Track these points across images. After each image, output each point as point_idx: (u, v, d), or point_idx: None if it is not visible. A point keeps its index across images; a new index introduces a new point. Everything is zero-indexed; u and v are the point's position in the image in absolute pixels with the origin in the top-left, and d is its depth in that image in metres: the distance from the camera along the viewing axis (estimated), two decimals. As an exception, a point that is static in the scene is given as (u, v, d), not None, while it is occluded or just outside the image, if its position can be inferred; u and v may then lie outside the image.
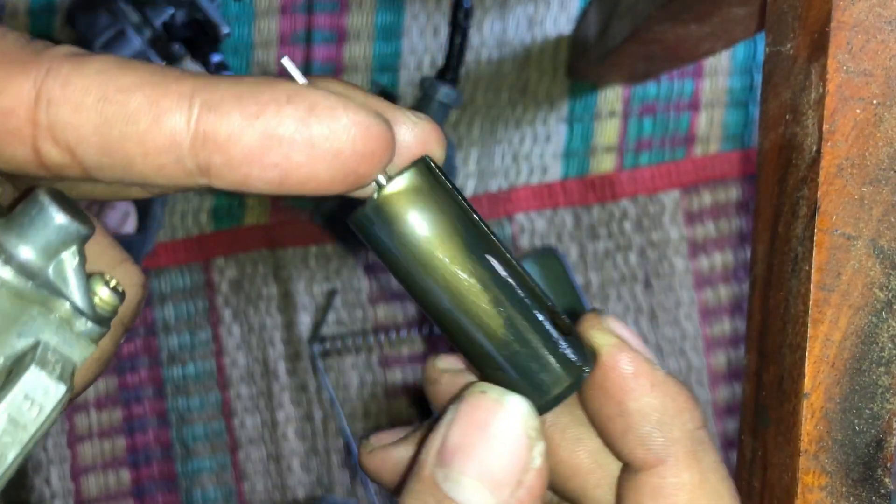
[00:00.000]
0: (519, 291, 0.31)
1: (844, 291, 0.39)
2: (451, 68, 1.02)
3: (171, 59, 0.99)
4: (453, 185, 0.31)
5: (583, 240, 1.12)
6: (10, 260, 0.26)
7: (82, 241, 0.28)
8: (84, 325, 0.28)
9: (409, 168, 0.30)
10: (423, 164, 0.30)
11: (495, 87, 1.11)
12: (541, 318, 0.31)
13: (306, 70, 1.09)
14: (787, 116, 0.42)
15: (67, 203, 0.28)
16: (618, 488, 0.34)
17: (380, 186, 0.29)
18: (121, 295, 0.29)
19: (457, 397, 0.31)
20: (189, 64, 1.03)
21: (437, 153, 0.31)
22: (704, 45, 0.79)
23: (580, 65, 1.08)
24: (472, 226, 0.30)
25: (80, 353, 0.28)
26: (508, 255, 0.31)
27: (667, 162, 1.13)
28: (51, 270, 0.27)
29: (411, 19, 1.10)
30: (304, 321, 1.10)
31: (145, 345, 1.10)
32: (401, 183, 0.30)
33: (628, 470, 0.33)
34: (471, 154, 1.11)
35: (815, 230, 0.39)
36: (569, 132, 1.12)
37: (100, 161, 0.27)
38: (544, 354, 0.31)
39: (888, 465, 0.39)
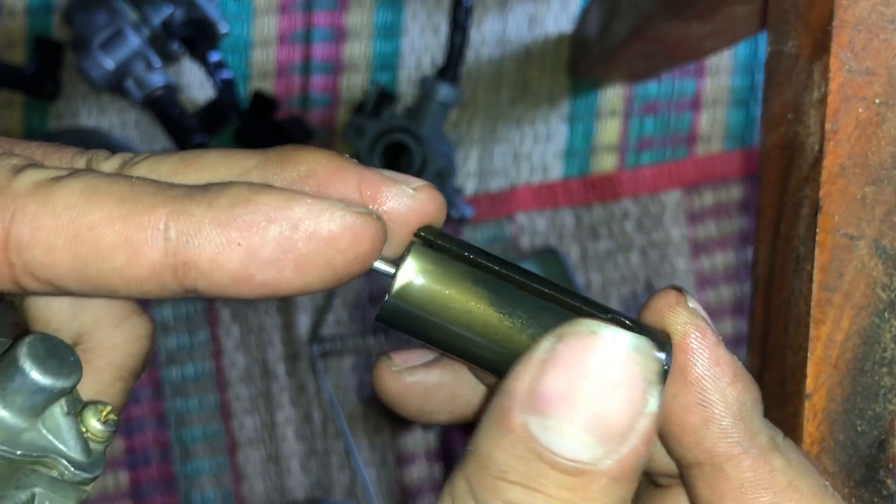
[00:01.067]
0: (555, 313, 0.30)
1: (847, 292, 0.39)
2: (451, 67, 1.02)
3: (169, 58, 0.99)
4: (457, 243, 0.31)
5: (584, 240, 1.12)
6: None
7: (72, 390, 0.28)
8: (77, 475, 0.28)
9: (406, 255, 0.29)
10: (419, 247, 0.30)
11: (496, 87, 1.11)
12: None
13: (306, 68, 1.08)
14: (790, 116, 0.42)
15: (53, 354, 0.28)
16: (689, 487, 0.32)
17: (392, 276, 0.29)
18: (114, 424, 0.29)
19: (549, 334, 0.28)
20: (187, 62, 1.03)
21: (438, 219, 0.30)
22: (706, 43, 0.79)
23: (581, 63, 1.08)
24: (490, 280, 0.30)
25: (74, 499, 0.28)
26: (535, 285, 0.30)
27: (668, 161, 1.13)
28: (41, 423, 0.27)
29: (411, 18, 1.09)
30: (304, 322, 1.10)
31: (144, 345, 1.10)
32: (407, 273, 0.29)
33: (699, 466, 0.31)
34: (471, 154, 1.11)
35: (818, 230, 0.39)
36: (570, 131, 1.12)
37: (83, 290, 0.27)
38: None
39: (890, 466, 0.39)
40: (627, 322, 0.30)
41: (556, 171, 1.12)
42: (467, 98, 1.10)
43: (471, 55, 1.09)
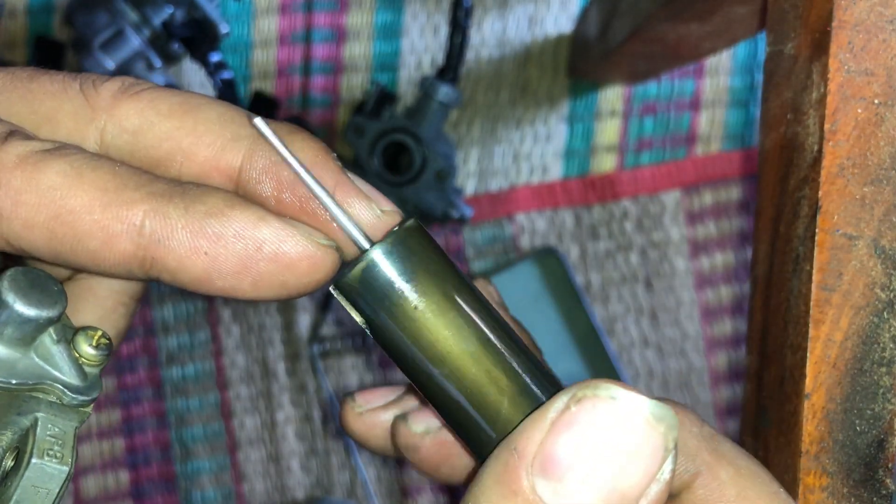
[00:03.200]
0: (505, 353, 0.29)
1: (846, 291, 0.39)
2: (451, 68, 1.02)
3: (170, 59, 0.99)
4: (435, 247, 0.30)
5: (583, 240, 1.12)
6: None
7: (59, 318, 0.29)
8: (74, 398, 0.29)
9: (391, 234, 0.29)
10: (404, 230, 0.29)
11: (495, 87, 1.11)
12: (532, 384, 0.29)
13: (306, 69, 1.09)
14: (789, 116, 0.42)
15: (36, 285, 0.29)
16: None
17: (362, 251, 0.29)
18: (108, 346, 0.30)
19: (562, 394, 0.27)
20: (188, 63, 1.03)
21: None
22: (705, 44, 0.79)
23: (581, 64, 1.08)
24: (458, 288, 0.29)
25: (76, 420, 0.29)
26: (489, 310, 0.30)
27: (668, 161, 1.13)
28: (33, 353, 0.29)
29: (411, 18, 1.09)
30: (304, 321, 1.10)
31: (144, 345, 1.10)
32: (378, 252, 0.29)
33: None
34: (471, 154, 1.11)
35: (817, 230, 0.39)
36: (569, 132, 1.12)
37: (53, 261, 0.28)
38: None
39: (889, 465, 0.39)
40: (549, 381, 0.30)
41: (555, 172, 1.12)
42: (467, 98, 1.10)
43: (471, 55, 1.09)
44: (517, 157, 1.12)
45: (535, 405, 0.28)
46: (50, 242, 0.28)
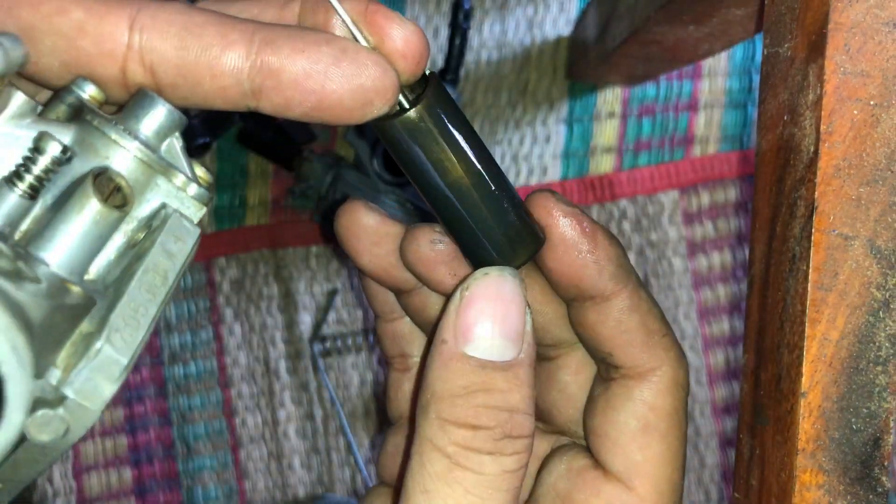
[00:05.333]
0: (502, 182, 0.39)
1: (842, 291, 0.39)
2: (450, 69, 1.02)
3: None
4: (454, 104, 0.38)
5: (582, 240, 1.12)
6: (136, 137, 0.33)
7: (183, 127, 0.34)
8: (196, 189, 0.34)
9: (426, 87, 0.37)
10: (434, 81, 0.37)
11: (495, 88, 1.11)
12: (516, 202, 0.40)
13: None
14: (785, 117, 0.42)
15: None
16: (578, 319, 0.42)
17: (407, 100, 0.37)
18: (211, 181, 0.36)
19: (460, 287, 0.38)
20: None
21: (425, 53, 0.36)
22: (703, 46, 0.79)
23: (579, 66, 1.08)
24: (469, 133, 0.38)
25: (196, 214, 0.35)
26: (491, 156, 0.40)
27: (665, 162, 1.14)
28: (163, 150, 0.34)
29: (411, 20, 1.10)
30: (305, 321, 1.11)
31: (147, 344, 1.10)
32: (426, 97, 0.37)
33: (592, 300, 0.41)
34: (470, 154, 1.11)
35: (813, 230, 0.39)
36: (568, 133, 1.13)
37: (174, 80, 0.33)
38: (517, 225, 0.39)
39: (885, 463, 0.39)
40: (523, 216, 0.40)
41: (554, 172, 1.13)
42: (467, 100, 1.10)
43: (470, 57, 1.10)
44: (516, 157, 1.12)
45: (498, 205, 0.39)
46: (178, 52, 0.33)
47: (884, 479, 0.39)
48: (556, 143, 1.12)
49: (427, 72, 0.37)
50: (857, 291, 0.39)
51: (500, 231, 0.39)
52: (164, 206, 0.34)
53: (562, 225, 0.41)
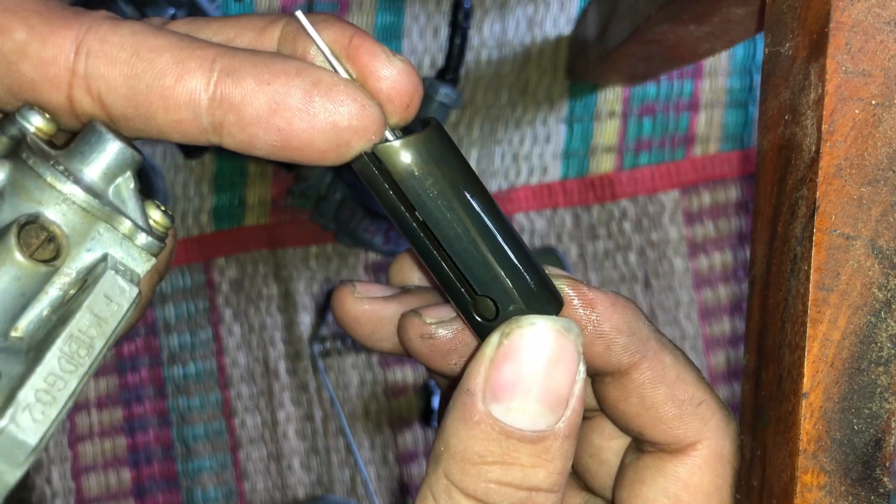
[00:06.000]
0: (511, 236, 0.34)
1: (843, 291, 0.39)
2: (451, 69, 1.02)
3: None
4: (453, 146, 0.33)
5: (582, 240, 1.12)
6: (78, 181, 0.29)
7: (136, 167, 0.31)
8: (144, 239, 0.31)
9: (422, 130, 0.32)
10: (435, 125, 0.33)
11: (495, 88, 1.11)
12: (533, 261, 0.34)
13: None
14: (786, 117, 0.42)
15: (119, 133, 0.31)
16: (601, 394, 0.38)
17: (396, 137, 0.32)
18: (171, 218, 0.32)
19: (494, 333, 0.33)
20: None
21: (417, 96, 0.33)
22: (704, 45, 0.79)
23: (580, 65, 1.08)
24: (471, 181, 0.33)
25: (143, 266, 0.31)
26: (494, 204, 0.34)
27: (666, 162, 1.13)
28: (110, 192, 0.30)
29: (411, 20, 1.10)
30: (305, 321, 1.11)
31: (146, 344, 1.10)
32: (417, 139, 0.32)
33: (611, 375, 0.37)
34: (471, 154, 1.11)
35: (814, 230, 0.39)
36: (568, 132, 1.12)
37: (125, 111, 0.30)
38: (540, 284, 0.34)
39: (887, 464, 0.39)
40: (543, 282, 0.34)
41: (555, 172, 1.12)
42: (467, 99, 1.10)
43: (470, 57, 1.10)
44: (517, 157, 1.12)
45: (534, 266, 0.34)
46: (127, 80, 0.29)
47: (885, 479, 0.39)
48: (557, 143, 1.12)
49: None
50: (858, 291, 0.39)
51: (524, 283, 0.34)
52: (105, 257, 0.30)
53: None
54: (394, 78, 0.31)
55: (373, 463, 1.10)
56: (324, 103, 0.30)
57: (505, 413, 0.31)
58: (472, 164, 1.16)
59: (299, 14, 0.31)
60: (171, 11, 0.96)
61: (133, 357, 1.10)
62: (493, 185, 1.12)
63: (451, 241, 0.33)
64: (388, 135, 0.32)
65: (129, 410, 1.10)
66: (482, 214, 0.33)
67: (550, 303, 0.34)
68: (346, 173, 1.03)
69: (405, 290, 0.40)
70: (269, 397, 1.11)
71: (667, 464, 0.37)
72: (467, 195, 0.33)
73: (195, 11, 0.96)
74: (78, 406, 1.10)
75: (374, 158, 0.32)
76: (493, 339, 0.32)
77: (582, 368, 0.33)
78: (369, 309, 0.39)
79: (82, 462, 1.10)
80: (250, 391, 1.11)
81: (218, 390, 1.11)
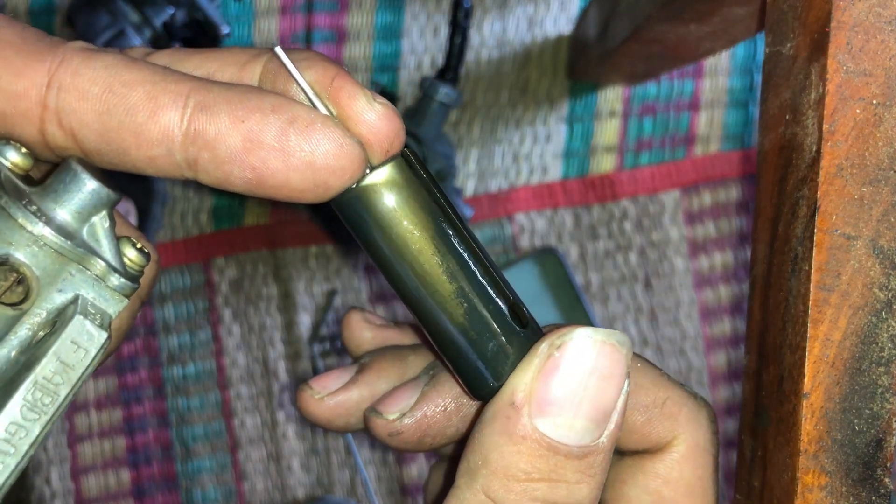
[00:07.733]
0: (482, 281, 0.32)
1: (844, 291, 0.39)
2: (450, 68, 1.02)
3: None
4: (431, 178, 0.32)
5: (583, 240, 1.12)
6: (49, 221, 0.29)
7: (111, 206, 0.30)
8: (117, 280, 0.30)
9: (389, 160, 0.31)
10: (402, 159, 0.32)
11: (495, 87, 1.11)
12: (502, 307, 0.33)
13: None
14: (787, 116, 0.42)
15: (96, 171, 0.30)
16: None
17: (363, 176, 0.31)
18: (147, 255, 0.32)
19: (543, 342, 0.32)
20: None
21: (397, 140, 0.32)
22: (704, 44, 0.79)
23: (580, 65, 1.08)
24: (444, 219, 0.32)
25: (115, 307, 0.30)
26: (476, 248, 0.33)
27: (667, 162, 1.13)
28: (84, 232, 0.30)
29: (411, 19, 1.10)
30: (305, 321, 1.10)
31: (145, 345, 1.10)
32: (381, 174, 0.31)
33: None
34: (471, 154, 1.11)
35: (815, 230, 0.39)
36: (569, 132, 1.12)
37: (98, 146, 0.29)
38: (501, 344, 0.33)
39: (888, 464, 0.39)
40: (521, 316, 0.33)
41: (555, 172, 1.12)
42: (467, 99, 1.10)
43: (470, 56, 1.10)
44: (517, 157, 1.12)
45: (485, 309, 0.32)
46: (100, 115, 0.28)
47: (886, 480, 0.39)
48: (557, 143, 1.12)
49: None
50: (859, 292, 0.39)
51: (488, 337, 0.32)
52: (77, 298, 0.30)
53: None
54: (373, 122, 0.30)
55: (373, 463, 1.10)
56: (299, 142, 0.29)
57: (552, 428, 0.31)
58: (472, 165, 1.16)
59: (279, 50, 0.30)
60: (171, 11, 0.96)
61: (132, 357, 1.10)
62: (493, 185, 1.12)
63: (435, 281, 0.32)
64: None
65: (128, 411, 1.10)
66: (464, 253, 0.32)
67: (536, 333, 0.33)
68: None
69: (361, 366, 0.40)
70: (268, 398, 1.11)
71: (646, 462, 0.37)
72: (448, 231, 0.32)
73: (194, 11, 0.96)
74: (77, 406, 1.10)
75: (355, 197, 0.31)
76: (542, 349, 0.32)
77: (628, 382, 0.32)
78: (333, 404, 0.39)
79: (81, 462, 1.10)
80: (250, 391, 1.11)
81: (217, 391, 1.11)
